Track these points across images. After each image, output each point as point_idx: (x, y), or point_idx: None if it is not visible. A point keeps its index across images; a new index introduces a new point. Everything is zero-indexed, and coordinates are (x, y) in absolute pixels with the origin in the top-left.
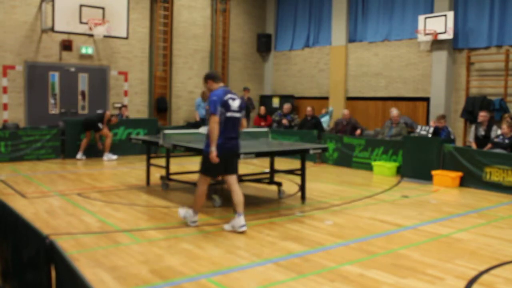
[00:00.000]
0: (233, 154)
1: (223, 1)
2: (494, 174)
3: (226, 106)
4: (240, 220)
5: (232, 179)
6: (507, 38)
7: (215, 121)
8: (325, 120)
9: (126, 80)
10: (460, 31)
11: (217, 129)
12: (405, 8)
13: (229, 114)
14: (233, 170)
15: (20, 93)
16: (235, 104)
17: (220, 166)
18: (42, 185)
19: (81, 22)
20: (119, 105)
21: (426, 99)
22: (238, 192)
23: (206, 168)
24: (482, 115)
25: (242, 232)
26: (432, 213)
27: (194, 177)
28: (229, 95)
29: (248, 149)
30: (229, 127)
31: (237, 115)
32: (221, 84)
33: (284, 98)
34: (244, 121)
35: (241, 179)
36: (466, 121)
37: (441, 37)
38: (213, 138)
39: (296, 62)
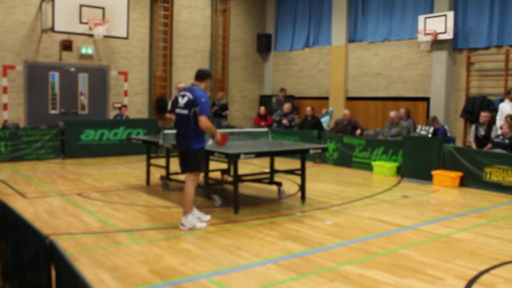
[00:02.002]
0: (181, 151)
1: (223, 1)
2: (494, 174)
3: (174, 103)
4: (185, 218)
5: (185, 177)
6: (507, 38)
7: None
8: (325, 120)
9: (126, 80)
10: (460, 31)
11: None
12: (405, 8)
13: (177, 110)
14: (183, 168)
15: (20, 93)
16: (182, 101)
17: (180, 162)
18: (42, 185)
19: (81, 22)
20: (119, 105)
21: (426, 99)
22: (184, 192)
23: None
24: (484, 115)
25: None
26: (432, 213)
27: None
28: (182, 92)
29: (248, 149)
30: (177, 124)
31: (182, 111)
32: (194, 82)
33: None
34: (203, 118)
35: (241, 179)
36: (466, 121)
37: (441, 37)
38: None
39: (296, 62)
